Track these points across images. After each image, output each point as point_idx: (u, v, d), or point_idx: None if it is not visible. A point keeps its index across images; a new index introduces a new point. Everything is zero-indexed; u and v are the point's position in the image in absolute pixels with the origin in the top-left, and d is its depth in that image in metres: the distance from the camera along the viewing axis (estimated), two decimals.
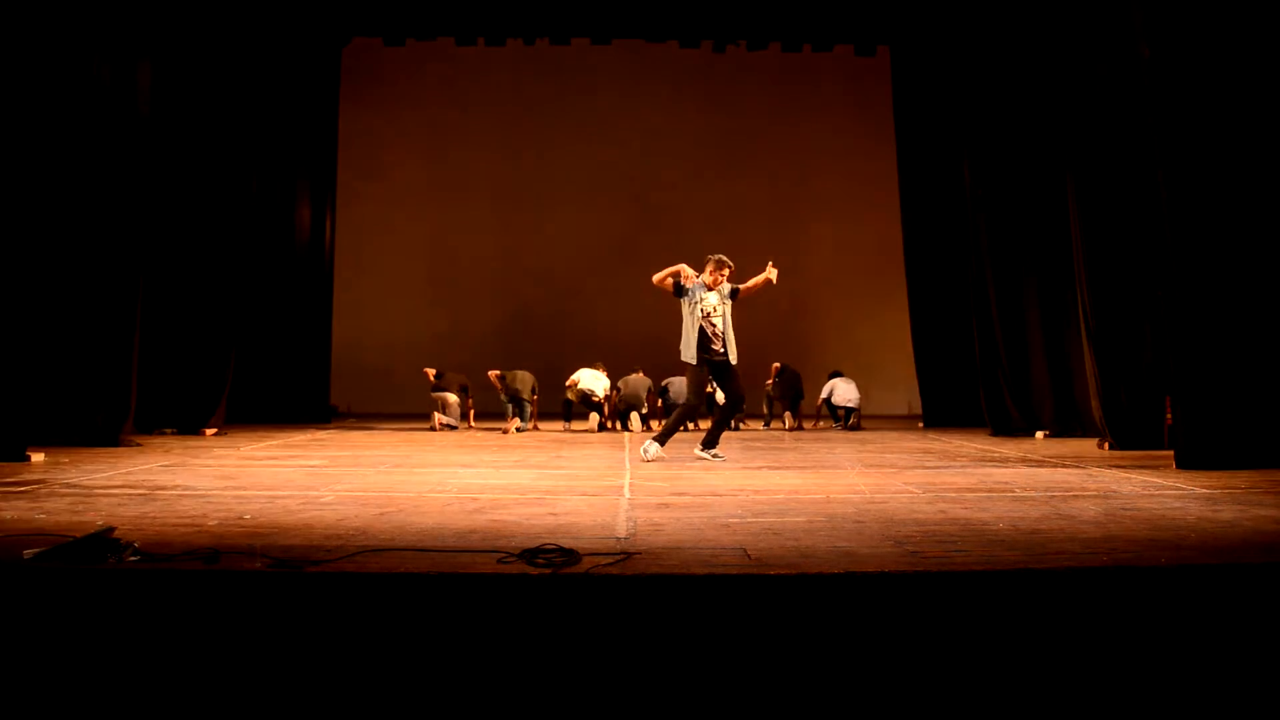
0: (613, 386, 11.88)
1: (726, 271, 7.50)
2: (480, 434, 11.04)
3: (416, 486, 5.82)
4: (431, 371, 12.16)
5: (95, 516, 4.40)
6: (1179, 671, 3.05)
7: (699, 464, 7.22)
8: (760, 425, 12.49)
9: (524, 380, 11.69)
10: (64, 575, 3.20)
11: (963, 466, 7.19)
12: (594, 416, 11.60)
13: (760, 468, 7.14)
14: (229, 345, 10.91)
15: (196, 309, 10.63)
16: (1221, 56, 6.99)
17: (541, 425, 12.03)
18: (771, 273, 7.48)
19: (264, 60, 11.79)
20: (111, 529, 3.61)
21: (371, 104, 15.36)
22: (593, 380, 11.72)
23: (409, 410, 13.66)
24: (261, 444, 9.18)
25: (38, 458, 7.08)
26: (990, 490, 5.69)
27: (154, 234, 9.67)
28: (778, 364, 12.60)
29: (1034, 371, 10.73)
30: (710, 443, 7.52)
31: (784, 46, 14.16)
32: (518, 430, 11.17)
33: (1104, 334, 8.97)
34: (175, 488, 5.67)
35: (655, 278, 7.60)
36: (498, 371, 11.81)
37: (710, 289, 7.46)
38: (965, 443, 9.63)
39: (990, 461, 7.64)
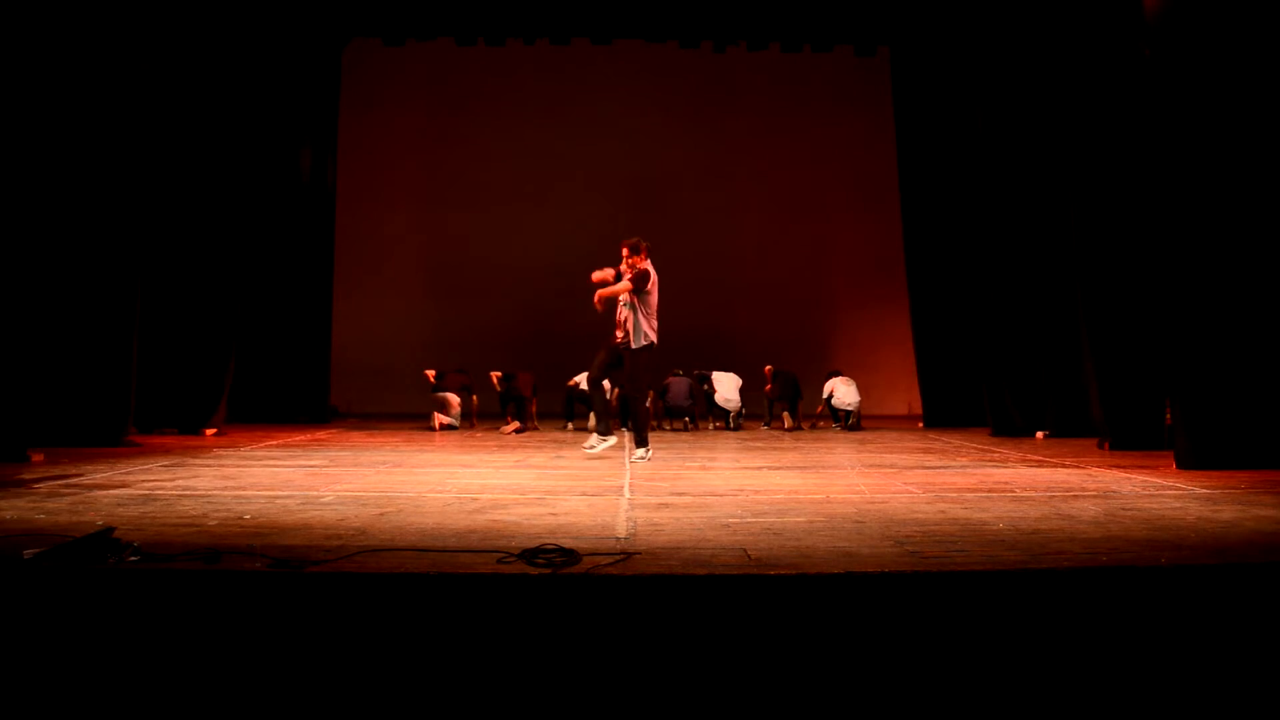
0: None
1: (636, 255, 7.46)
2: (480, 434, 11.04)
3: (416, 486, 5.82)
4: (432, 373, 12.16)
5: (95, 516, 4.40)
6: (1179, 671, 3.05)
7: (698, 464, 7.22)
8: (760, 425, 12.48)
9: (526, 381, 11.71)
10: (64, 575, 3.20)
11: (963, 466, 7.19)
12: (595, 416, 11.58)
13: (760, 468, 7.13)
14: (229, 345, 10.90)
15: (196, 309, 10.61)
16: (1223, 56, 6.99)
17: (541, 425, 12.02)
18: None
19: (264, 60, 11.78)
20: (111, 529, 3.61)
21: (371, 104, 15.35)
22: None
23: (409, 410, 13.65)
24: (261, 444, 9.18)
25: (38, 458, 7.08)
26: (990, 490, 5.69)
27: (153, 235, 9.67)
28: (770, 367, 12.59)
29: (1034, 371, 10.73)
30: (642, 441, 7.50)
31: (784, 47, 14.15)
32: (516, 431, 11.17)
33: (1104, 334, 8.97)
34: (175, 488, 5.66)
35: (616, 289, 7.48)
36: (500, 373, 11.83)
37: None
38: (965, 443, 9.62)
39: (990, 461, 7.64)
